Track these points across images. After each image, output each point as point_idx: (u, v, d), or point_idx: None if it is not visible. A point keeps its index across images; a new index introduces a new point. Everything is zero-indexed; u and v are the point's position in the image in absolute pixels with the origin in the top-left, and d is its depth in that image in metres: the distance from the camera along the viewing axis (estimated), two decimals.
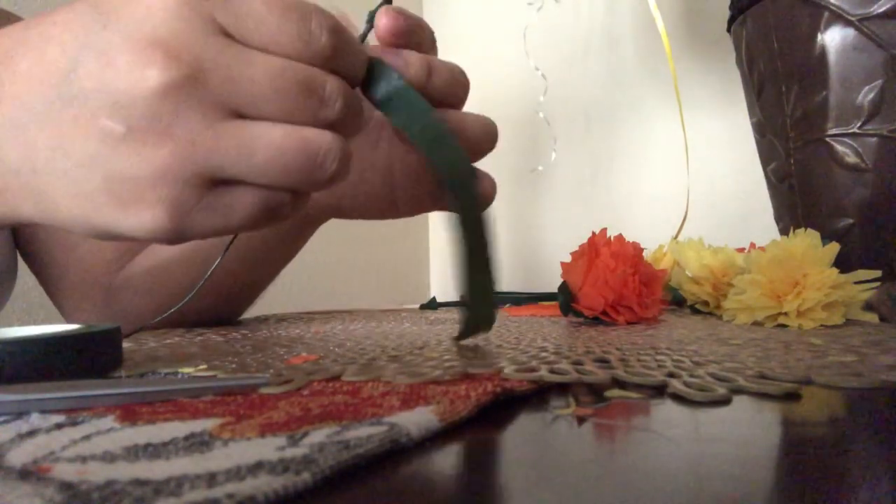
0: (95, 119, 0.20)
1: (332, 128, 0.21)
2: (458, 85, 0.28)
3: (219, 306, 0.50)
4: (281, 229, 0.45)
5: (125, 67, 0.20)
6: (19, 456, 0.14)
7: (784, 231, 0.55)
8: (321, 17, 0.21)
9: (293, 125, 0.21)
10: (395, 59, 0.25)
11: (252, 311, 0.57)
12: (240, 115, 0.21)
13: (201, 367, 0.27)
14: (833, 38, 0.47)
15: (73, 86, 0.20)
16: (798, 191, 0.52)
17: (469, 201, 0.25)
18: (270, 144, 0.20)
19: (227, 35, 0.20)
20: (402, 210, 0.34)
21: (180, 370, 0.26)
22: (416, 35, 0.26)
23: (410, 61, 0.26)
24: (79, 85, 0.20)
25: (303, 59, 0.21)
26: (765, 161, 0.57)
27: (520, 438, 0.17)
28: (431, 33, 0.28)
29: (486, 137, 0.28)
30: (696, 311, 0.53)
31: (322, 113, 0.21)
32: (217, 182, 0.21)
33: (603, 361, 0.26)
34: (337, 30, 0.21)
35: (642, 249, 0.46)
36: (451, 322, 0.49)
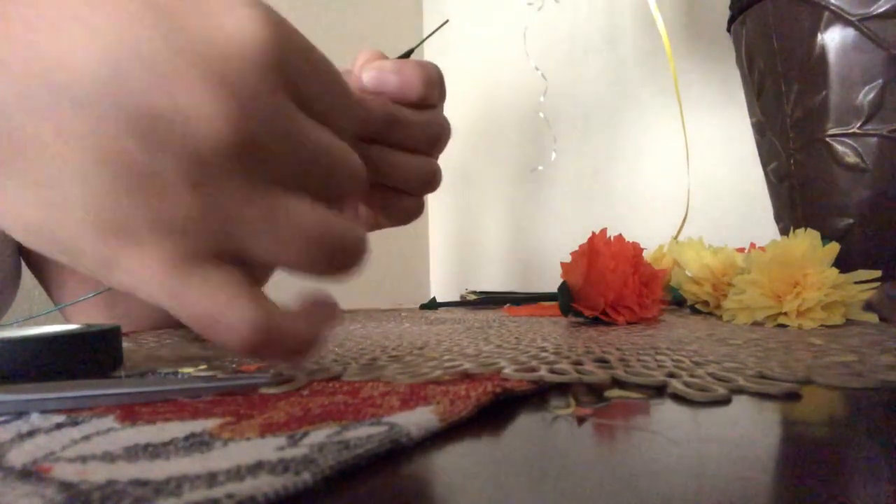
0: (119, 141, 0.16)
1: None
2: (433, 136, 0.30)
3: None
4: None
5: (192, 108, 0.16)
6: (19, 456, 0.14)
7: (784, 231, 0.55)
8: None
9: (325, 212, 0.19)
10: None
11: None
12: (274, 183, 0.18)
13: (201, 367, 0.27)
14: (833, 38, 0.47)
15: (101, 91, 0.16)
16: (798, 191, 0.52)
17: None
18: (299, 223, 0.18)
19: (298, 101, 0.18)
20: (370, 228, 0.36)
21: (180, 370, 0.26)
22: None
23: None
24: (109, 94, 0.16)
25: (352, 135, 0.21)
26: (765, 161, 0.57)
27: (520, 438, 0.17)
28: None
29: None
30: (696, 311, 0.53)
31: (348, 194, 0.21)
32: (219, 255, 0.18)
33: (603, 361, 0.26)
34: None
35: (642, 249, 0.46)
36: (451, 322, 0.49)
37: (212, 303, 0.17)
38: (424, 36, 0.33)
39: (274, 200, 0.18)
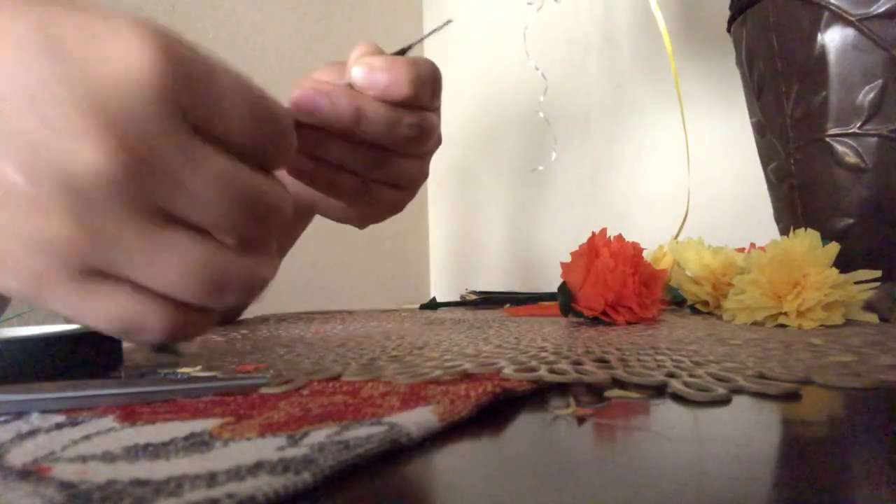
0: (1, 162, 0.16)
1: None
2: (400, 135, 0.28)
3: None
4: None
5: (67, 136, 0.16)
6: (19, 456, 0.14)
7: (784, 231, 0.55)
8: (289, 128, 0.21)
9: (214, 249, 0.19)
10: (321, 98, 0.26)
11: (252, 311, 0.57)
12: (163, 213, 0.18)
13: (201, 367, 0.27)
14: (833, 38, 0.47)
15: None
16: (798, 191, 0.52)
17: None
18: (180, 260, 0.18)
19: (192, 127, 0.18)
20: (361, 221, 0.35)
21: (180, 370, 0.26)
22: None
23: (337, 104, 0.27)
24: None
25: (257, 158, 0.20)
26: (765, 161, 0.57)
27: (520, 438, 0.17)
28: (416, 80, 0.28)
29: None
30: (696, 311, 0.53)
31: (257, 231, 0.20)
32: (98, 273, 0.18)
33: (603, 361, 0.26)
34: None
35: (642, 249, 0.46)
36: (451, 322, 0.49)
37: (122, 310, 0.18)
38: (425, 34, 0.32)
39: (156, 231, 0.18)
